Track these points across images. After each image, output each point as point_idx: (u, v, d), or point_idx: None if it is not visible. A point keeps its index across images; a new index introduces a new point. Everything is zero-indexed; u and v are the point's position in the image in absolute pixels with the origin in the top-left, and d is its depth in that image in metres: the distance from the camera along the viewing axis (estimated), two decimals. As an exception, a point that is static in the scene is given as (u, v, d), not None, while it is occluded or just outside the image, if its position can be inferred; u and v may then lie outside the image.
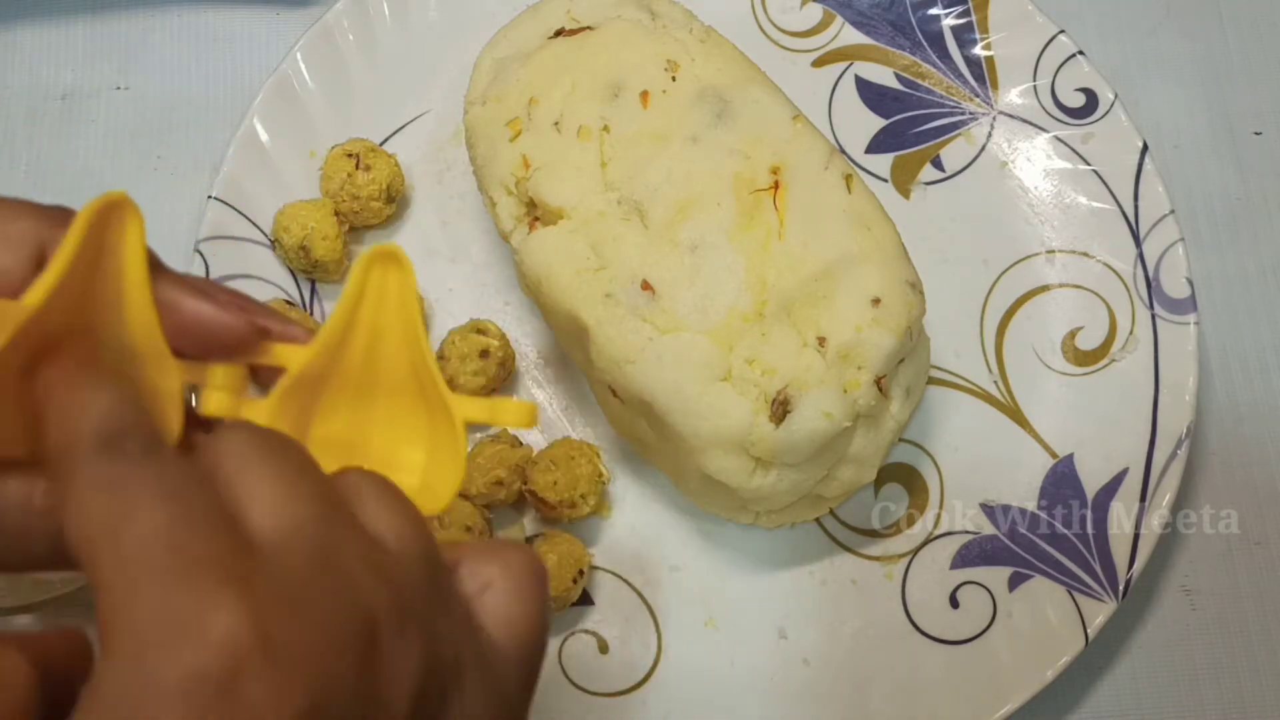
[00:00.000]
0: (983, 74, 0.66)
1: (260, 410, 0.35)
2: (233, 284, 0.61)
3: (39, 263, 0.32)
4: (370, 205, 0.62)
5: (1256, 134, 0.70)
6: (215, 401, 0.35)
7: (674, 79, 0.55)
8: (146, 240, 0.34)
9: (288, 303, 0.61)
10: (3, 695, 0.27)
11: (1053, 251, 0.64)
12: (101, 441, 0.27)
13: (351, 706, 0.26)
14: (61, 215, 0.32)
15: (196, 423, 0.35)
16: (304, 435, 0.36)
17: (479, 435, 0.60)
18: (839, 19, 0.68)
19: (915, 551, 0.60)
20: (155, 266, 0.34)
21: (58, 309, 0.32)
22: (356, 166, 0.61)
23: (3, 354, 0.30)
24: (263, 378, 0.36)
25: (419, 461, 0.36)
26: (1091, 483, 0.60)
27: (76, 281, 0.32)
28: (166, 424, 0.34)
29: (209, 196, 0.62)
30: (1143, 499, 0.59)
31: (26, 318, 0.30)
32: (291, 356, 0.35)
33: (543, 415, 0.62)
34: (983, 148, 0.66)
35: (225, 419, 0.35)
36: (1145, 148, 0.63)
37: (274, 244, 0.62)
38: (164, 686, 0.24)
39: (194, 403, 0.35)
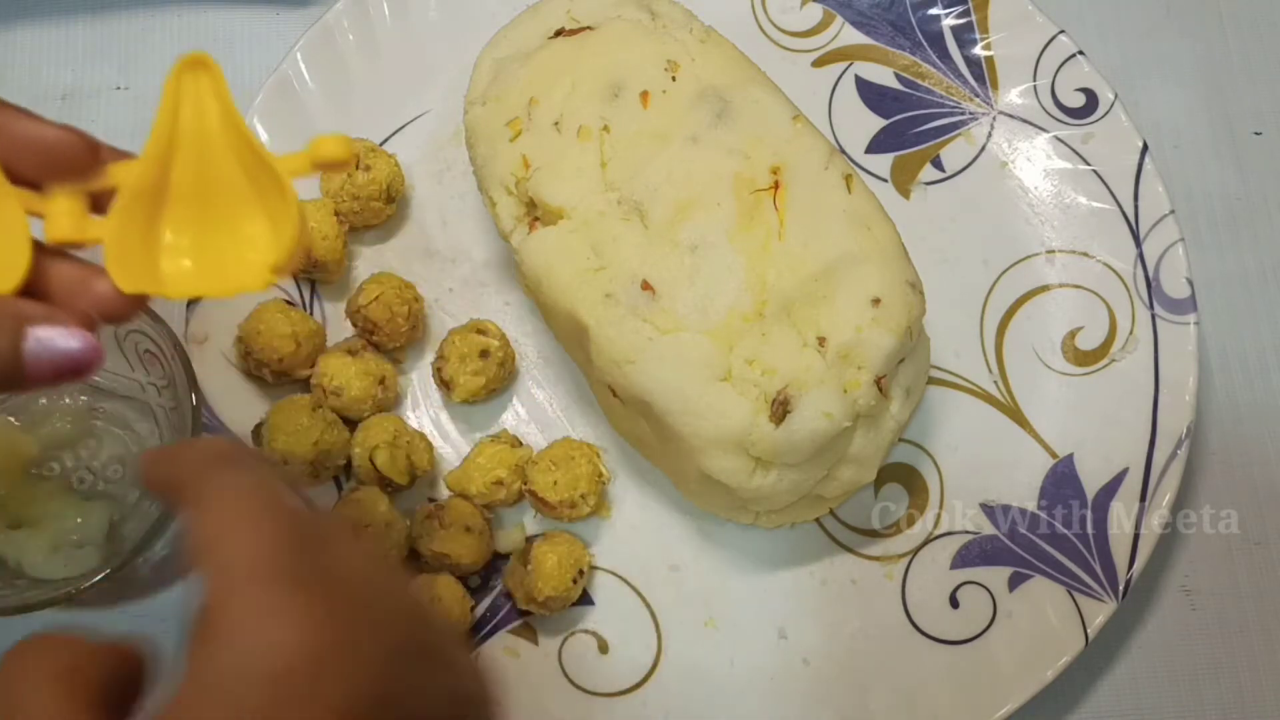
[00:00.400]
0: (983, 74, 0.66)
1: (103, 227, 0.39)
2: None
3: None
4: (370, 205, 0.62)
5: (1256, 134, 0.70)
6: (60, 227, 0.39)
7: (674, 79, 0.55)
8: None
9: (288, 303, 0.61)
10: (81, 676, 0.31)
11: (1053, 251, 0.64)
12: (226, 462, 0.35)
13: (411, 690, 0.32)
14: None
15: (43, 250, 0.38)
16: (154, 245, 0.40)
17: (478, 435, 0.61)
18: (839, 19, 0.68)
19: (915, 551, 0.60)
20: None
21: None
22: (356, 166, 0.61)
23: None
24: (101, 204, 0.39)
25: (264, 234, 0.40)
26: (1091, 483, 0.60)
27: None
28: (15, 253, 0.38)
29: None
30: (1143, 499, 0.59)
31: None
32: (123, 174, 0.39)
33: (542, 415, 0.62)
34: (983, 148, 0.66)
35: (71, 241, 0.39)
36: (1145, 148, 0.63)
37: (274, 244, 0.62)
38: (243, 669, 0.30)
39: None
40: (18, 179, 0.38)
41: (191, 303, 0.60)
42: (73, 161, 0.38)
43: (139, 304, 0.39)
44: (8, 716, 0.30)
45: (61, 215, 0.39)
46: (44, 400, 0.59)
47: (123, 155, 0.39)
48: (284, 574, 0.31)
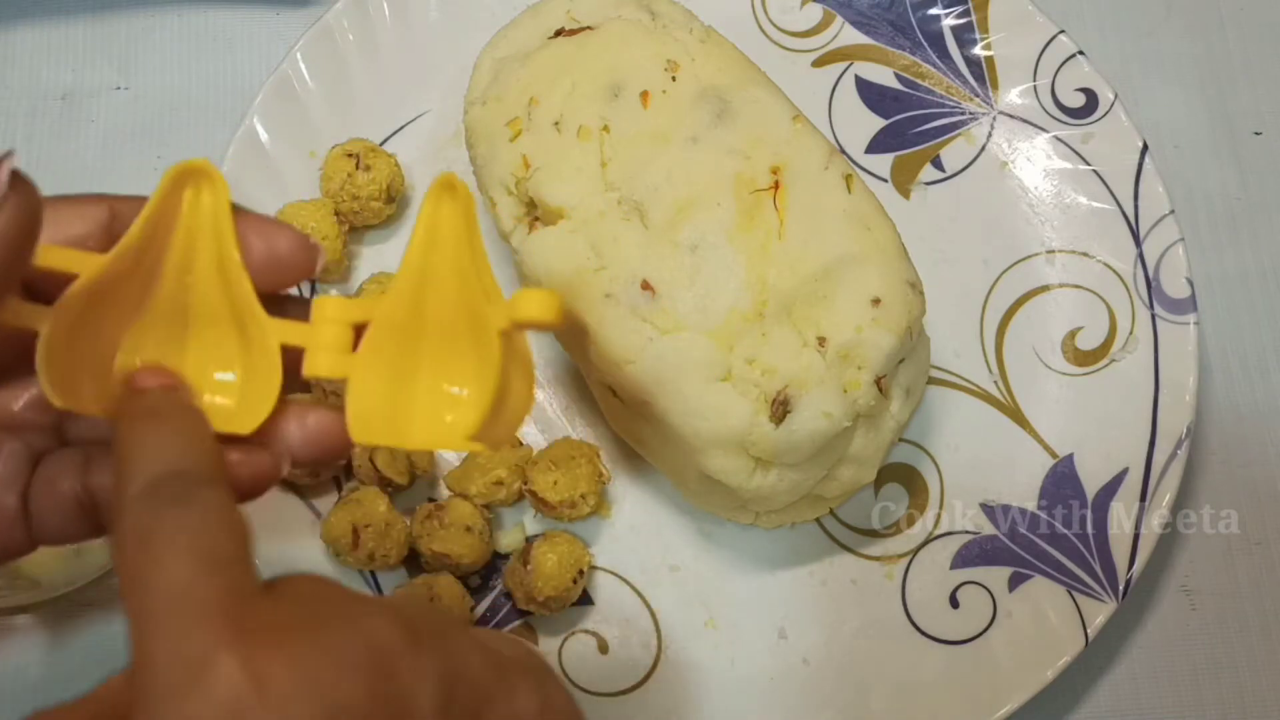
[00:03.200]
0: (983, 74, 0.66)
1: (353, 364, 0.35)
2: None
3: (112, 234, 0.34)
4: (370, 205, 0.62)
5: (1256, 134, 0.70)
6: (321, 364, 0.36)
7: (674, 79, 0.55)
8: (231, 201, 0.35)
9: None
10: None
11: (1053, 251, 0.64)
12: (144, 488, 0.30)
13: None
14: (132, 197, 0.35)
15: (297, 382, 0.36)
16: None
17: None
18: (839, 19, 0.68)
19: (915, 551, 0.60)
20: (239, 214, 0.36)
21: (133, 265, 0.34)
22: (356, 166, 0.61)
23: (74, 296, 0.33)
24: None
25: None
26: (1091, 483, 0.60)
27: (156, 242, 0.35)
28: (262, 391, 0.35)
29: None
30: (1143, 499, 0.59)
31: (102, 266, 0.33)
32: (378, 307, 0.36)
33: (542, 415, 0.62)
34: (983, 148, 0.66)
35: (327, 379, 0.36)
36: (1145, 148, 0.63)
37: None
38: None
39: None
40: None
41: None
42: (299, 272, 0.36)
43: (347, 448, 0.36)
44: None
45: (325, 350, 0.35)
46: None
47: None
48: (203, 612, 0.28)
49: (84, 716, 0.29)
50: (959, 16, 0.67)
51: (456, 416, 0.35)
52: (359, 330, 0.36)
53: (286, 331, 0.36)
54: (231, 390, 0.36)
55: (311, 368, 0.35)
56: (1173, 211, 0.62)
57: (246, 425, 0.36)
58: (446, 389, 0.36)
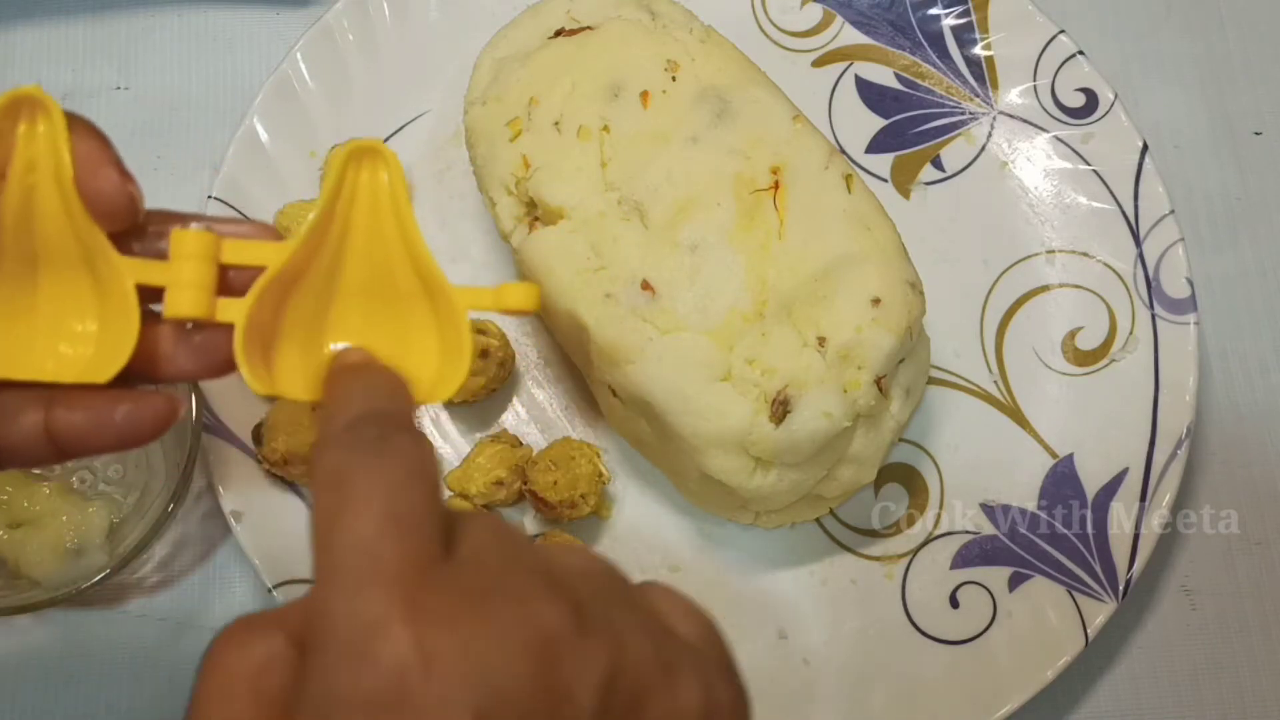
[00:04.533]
0: (983, 74, 0.66)
1: (237, 310, 0.34)
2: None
3: None
4: (370, 205, 0.62)
5: (1256, 134, 0.70)
6: (181, 303, 0.34)
7: (674, 79, 0.55)
8: (68, 133, 0.34)
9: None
10: (268, 679, 0.29)
11: (1053, 251, 0.64)
12: (344, 427, 0.31)
13: (529, 708, 0.28)
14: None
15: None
16: (317, 342, 0.36)
17: (478, 435, 0.61)
18: (839, 19, 0.68)
19: (915, 551, 0.60)
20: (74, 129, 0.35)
21: None
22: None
23: None
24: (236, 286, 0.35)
25: (431, 354, 0.36)
26: (1091, 483, 0.60)
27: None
28: (124, 328, 0.34)
29: (209, 196, 0.62)
30: (1143, 499, 0.59)
31: None
32: (269, 255, 0.34)
33: (542, 415, 0.62)
34: (983, 148, 0.66)
35: (195, 319, 0.34)
36: (1145, 148, 0.63)
37: (274, 244, 0.62)
38: (346, 702, 0.27)
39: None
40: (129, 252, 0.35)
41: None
42: (115, 218, 0.35)
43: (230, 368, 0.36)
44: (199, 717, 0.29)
45: (185, 289, 0.34)
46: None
47: (250, 234, 0.36)
48: (384, 579, 0.28)
49: (288, 629, 0.30)
50: (959, 16, 0.67)
51: (416, 371, 0.35)
52: (224, 271, 0.35)
53: (142, 270, 0.34)
54: (89, 340, 0.36)
55: (172, 307, 0.34)
56: (1173, 211, 0.62)
57: (104, 374, 0.35)
58: (408, 343, 0.36)
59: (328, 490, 0.30)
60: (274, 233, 0.36)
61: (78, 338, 0.36)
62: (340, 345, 0.36)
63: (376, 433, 0.31)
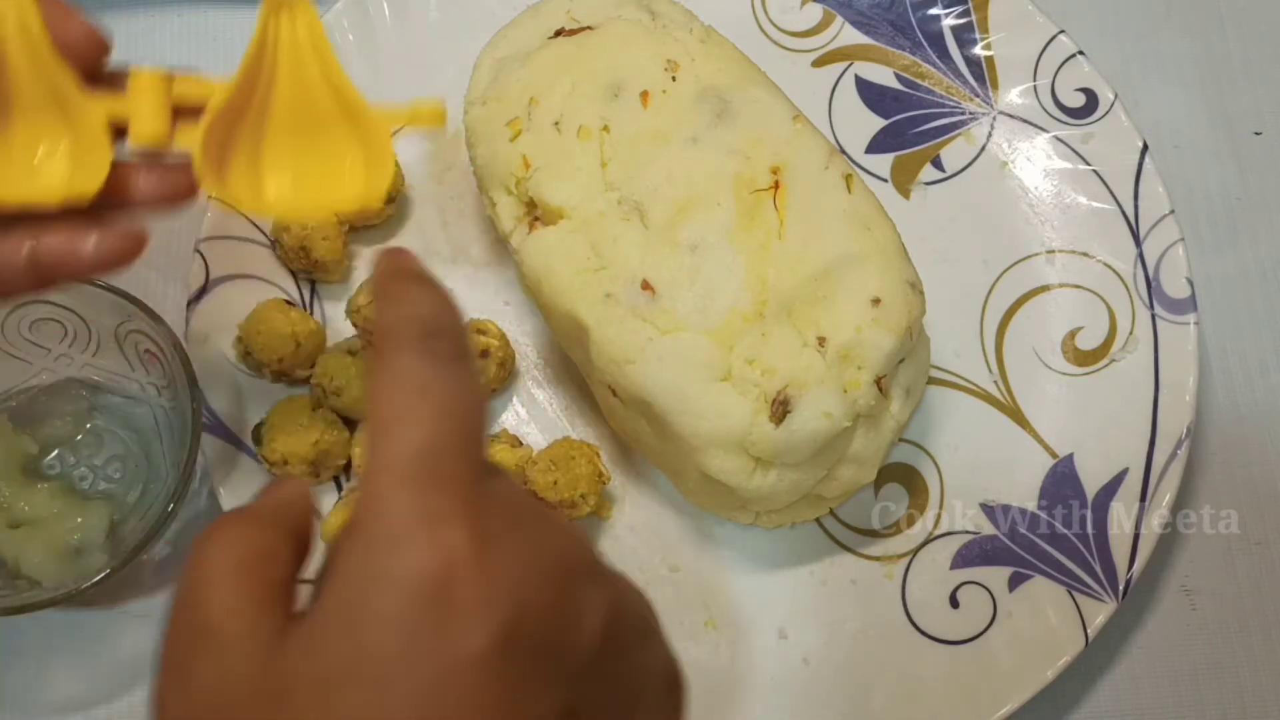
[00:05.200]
0: (983, 74, 0.66)
1: (191, 136, 0.41)
2: (233, 284, 0.61)
3: None
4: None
5: (1256, 134, 0.70)
6: (145, 128, 0.40)
7: (674, 79, 0.55)
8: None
9: (287, 303, 0.61)
10: (299, 509, 0.33)
11: (1053, 251, 0.64)
12: (422, 336, 0.32)
13: (548, 625, 0.29)
14: None
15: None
16: (256, 166, 0.42)
17: (479, 435, 0.60)
18: (839, 19, 0.68)
19: (915, 551, 0.60)
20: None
21: None
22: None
23: None
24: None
25: (359, 167, 0.43)
26: (1091, 483, 0.60)
27: None
28: (96, 158, 0.40)
29: (209, 196, 0.62)
30: (1143, 499, 0.59)
31: None
32: (211, 92, 0.41)
33: (543, 415, 0.62)
34: (983, 148, 0.66)
35: (158, 145, 0.41)
36: (1145, 148, 0.63)
37: (274, 244, 0.62)
38: (392, 577, 0.28)
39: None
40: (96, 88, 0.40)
41: (192, 302, 0.60)
42: (89, 56, 0.40)
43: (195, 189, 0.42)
44: (190, 607, 0.30)
45: (147, 119, 0.40)
46: (44, 400, 0.59)
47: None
48: (447, 479, 0.29)
49: (284, 526, 0.32)
50: (959, 16, 0.67)
51: (349, 189, 0.42)
52: (179, 111, 0.41)
53: (110, 105, 0.40)
54: (64, 169, 0.41)
55: (136, 136, 0.40)
56: (1173, 211, 0.62)
57: (82, 193, 0.40)
58: (333, 168, 0.43)
59: (402, 390, 0.31)
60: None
61: (54, 168, 0.41)
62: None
63: (454, 352, 0.33)
